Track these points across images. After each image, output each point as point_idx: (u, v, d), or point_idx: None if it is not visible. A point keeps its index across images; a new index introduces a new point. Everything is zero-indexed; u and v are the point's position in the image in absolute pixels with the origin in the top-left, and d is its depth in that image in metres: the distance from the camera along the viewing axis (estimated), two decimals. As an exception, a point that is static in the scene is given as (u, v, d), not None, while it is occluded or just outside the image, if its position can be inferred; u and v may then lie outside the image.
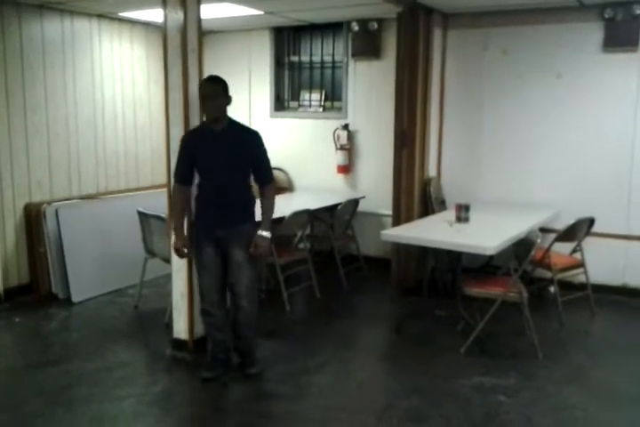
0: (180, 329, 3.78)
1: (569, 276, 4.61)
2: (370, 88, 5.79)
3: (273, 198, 3.45)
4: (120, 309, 4.66)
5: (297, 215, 4.65)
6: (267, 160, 3.43)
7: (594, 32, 4.83)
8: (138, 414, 3.13)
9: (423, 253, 4.99)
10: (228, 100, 3.31)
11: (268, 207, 3.41)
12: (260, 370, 3.54)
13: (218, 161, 3.31)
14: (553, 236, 4.34)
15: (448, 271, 4.82)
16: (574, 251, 4.59)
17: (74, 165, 5.20)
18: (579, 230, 4.37)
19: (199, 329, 3.74)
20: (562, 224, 4.37)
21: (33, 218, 4.79)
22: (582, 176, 5.01)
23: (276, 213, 4.62)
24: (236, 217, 3.38)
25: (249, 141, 3.37)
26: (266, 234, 3.34)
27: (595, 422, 3.08)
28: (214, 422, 3.08)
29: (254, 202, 3.49)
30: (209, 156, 3.33)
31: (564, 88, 5.01)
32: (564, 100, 5.03)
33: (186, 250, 3.39)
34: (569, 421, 3.09)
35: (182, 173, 3.40)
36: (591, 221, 4.39)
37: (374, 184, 5.78)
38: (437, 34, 5.23)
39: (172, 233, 3.44)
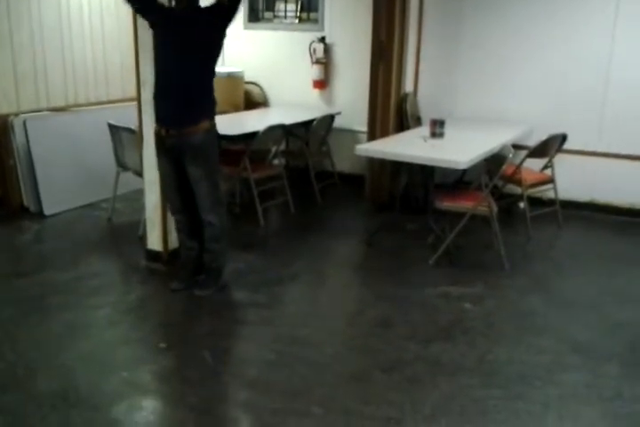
0: (154, 240, 3.81)
1: (538, 192, 4.69)
2: (347, -1, 5.57)
3: None
4: (93, 222, 4.66)
5: (271, 130, 4.59)
6: None
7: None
8: (112, 322, 3.21)
9: (397, 169, 5.01)
10: None
11: None
12: (207, 294, 3.45)
13: (172, 46, 3.13)
14: (525, 152, 4.36)
15: (421, 186, 4.86)
16: (545, 167, 4.64)
17: (41, 76, 4.99)
18: (550, 147, 4.40)
19: (173, 240, 3.77)
20: (535, 141, 4.38)
21: (0, 130, 4.66)
22: (557, 93, 4.98)
23: (250, 128, 4.62)
24: (186, 113, 3.18)
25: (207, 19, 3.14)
26: None
27: (552, 328, 3.23)
28: (188, 329, 3.18)
29: (210, 101, 3.25)
30: (163, 35, 3.15)
31: (543, 2, 4.87)
32: (542, 15, 4.89)
33: None
34: (528, 327, 3.24)
35: None
36: (563, 138, 4.41)
37: (350, 100, 5.69)
38: (419, -61, 4.99)
39: None
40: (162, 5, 3.26)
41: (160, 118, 3.25)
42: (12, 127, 4.63)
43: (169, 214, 3.67)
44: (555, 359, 2.92)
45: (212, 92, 3.25)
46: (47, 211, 4.71)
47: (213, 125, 3.29)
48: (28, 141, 4.66)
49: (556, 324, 3.28)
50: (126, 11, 5.42)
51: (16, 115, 4.70)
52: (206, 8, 3.19)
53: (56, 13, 5.05)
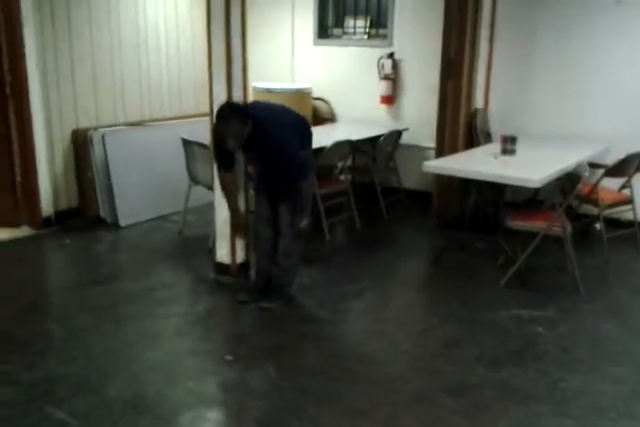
0: (223, 254, 3.87)
1: (616, 212, 4.49)
2: (417, 15, 5.55)
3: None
4: (165, 234, 4.78)
5: (338, 146, 4.61)
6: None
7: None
8: (180, 333, 3.27)
9: (465, 187, 4.92)
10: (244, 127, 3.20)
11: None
12: (273, 307, 3.50)
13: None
14: (602, 171, 4.20)
15: (490, 204, 4.76)
16: (623, 187, 4.45)
17: (118, 92, 5.21)
18: (629, 166, 4.22)
19: (241, 254, 3.83)
20: (612, 159, 4.22)
21: (80, 144, 4.87)
22: (635, 109, 4.79)
23: (317, 143, 4.64)
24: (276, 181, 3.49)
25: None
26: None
27: (631, 356, 3.08)
28: (254, 341, 3.20)
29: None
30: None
31: (624, 15, 4.71)
32: (622, 28, 4.73)
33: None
34: (606, 353, 3.10)
35: (223, 164, 3.49)
36: (644, 157, 4.23)
37: (418, 116, 5.65)
38: (492, -45, 4.94)
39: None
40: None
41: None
42: (92, 141, 4.83)
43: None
44: (633, 390, 2.77)
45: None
46: (122, 222, 4.87)
47: None
48: (105, 155, 4.85)
49: (635, 352, 3.12)
50: (200, 29, 5.64)
51: (95, 129, 4.91)
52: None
53: (134, 32, 5.26)
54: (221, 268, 3.90)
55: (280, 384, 2.78)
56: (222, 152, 3.40)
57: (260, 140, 3.26)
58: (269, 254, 3.58)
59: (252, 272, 3.74)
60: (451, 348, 3.12)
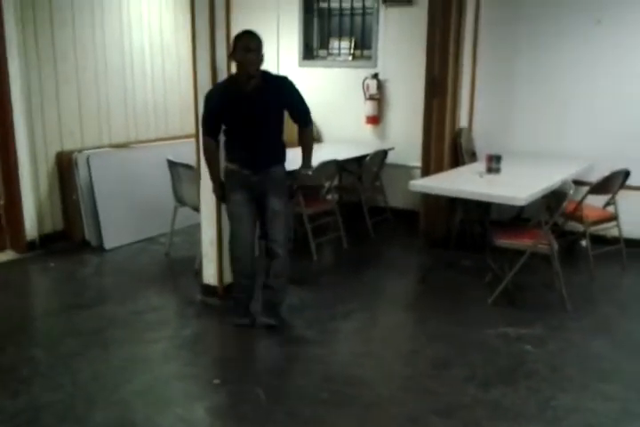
0: (210, 275, 3.85)
1: (601, 229, 4.52)
2: (401, 36, 5.63)
3: (312, 139, 3.53)
4: (151, 256, 4.75)
5: (325, 166, 4.62)
6: (303, 103, 3.44)
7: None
8: (168, 357, 3.23)
9: (451, 205, 4.94)
10: (263, 56, 3.26)
11: (307, 146, 3.47)
12: (273, 322, 3.49)
13: (246, 121, 3.28)
14: (586, 188, 4.25)
15: (477, 223, 4.78)
16: (608, 204, 4.50)
17: (103, 114, 5.21)
18: (613, 183, 4.27)
19: (228, 275, 3.80)
20: (596, 177, 4.27)
21: (65, 166, 4.85)
22: (619, 128, 4.86)
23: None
24: (267, 160, 3.39)
25: (283, 92, 3.35)
26: (308, 172, 3.47)
27: (621, 373, 3.08)
28: (242, 365, 3.16)
29: (284, 147, 3.48)
30: (237, 117, 3.29)
31: (604, 35, 4.81)
32: (602, 48, 4.83)
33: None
34: (595, 372, 3.09)
35: (209, 129, 3.39)
36: (626, 174, 4.28)
37: (403, 135, 5.69)
38: (472, -23, 5.03)
39: (211, 181, 3.47)
40: (227, 97, 3.29)
41: (245, 164, 3.36)
42: (76, 163, 4.81)
43: (224, 249, 3.70)
44: (623, 407, 2.77)
45: (282, 138, 3.49)
46: (107, 245, 4.83)
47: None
48: (90, 177, 4.83)
49: (625, 369, 3.12)
50: (185, 53, 5.69)
51: (80, 151, 4.89)
52: (275, 79, 3.37)
53: (119, 55, 5.28)
54: (208, 289, 3.87)
55: (269, 408, 2.74)
56: (212, 118, 3.33)
57: (275, 103, 3.28)
58: (251, 268, 3.51)
59: (235, 292, 3.65)
60: (440, 368, 3.11)
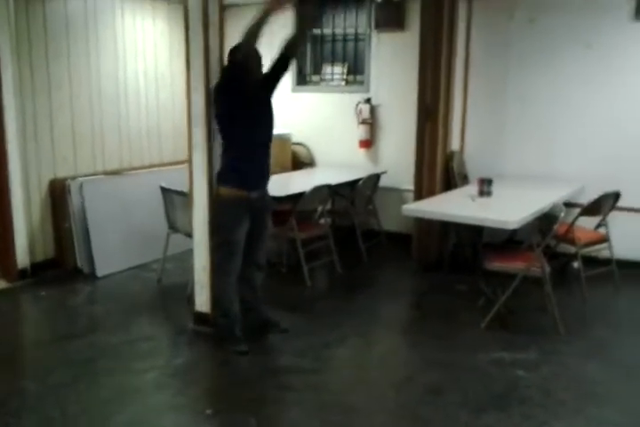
0: (202, 302, 3.82)
1: (593, 251, 4.53)
2: (393, 61, 5.71)
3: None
4: (143, 283, 4.73)
5: (318, 190, 4.64)
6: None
7: (624, 0, 4.66)
8: (159, 387, 3.20)
9: (444, 229, 4.96)
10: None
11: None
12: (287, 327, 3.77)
13: (263, 120, 3.45)
14: (577, 210, 4.27)
15: (469, 246, 4.78)
16: (599, 226, 4.51)
17: (98, 142, 5.23)
18: (604, 205, 4.30)
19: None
20: (587, 199, 4.30)
21: (58, 193, 4.85)
22: (609, 150, 4.91)
23: (297, 188, 4.68)
24: (267, 177, 3.55)
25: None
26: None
27: (615, 397, 3.06)
28: (234, 394, 3.12)
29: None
30: (255, 113, 3.41)
31: (594, 58, 4.88)
32: (592, 72, 4.90)
33: None
34: (589, 395, 3.07)
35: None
36: (617, 196, 4.30)
37: (396, 159, 5.73)
38: (462, 3, 5.11)
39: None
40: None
41: (251, 184, 3.44)
42: (69, 190, 4.81)
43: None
44: (618, 433, 2.75)
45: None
46: (99, 272, 4.81)
47: None
48: (83, 204, 4.83)
49: (619, 393, 3.10)
50: (179, 80, 5.74)
51: (73, 178, 4.90)
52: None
53: (114, 83, 5.33)
54: (200, 317, 3.84)
55: (261, 439, 2.72)
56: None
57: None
58: (237, 293, 3.60)
59: (228, 319, 3.64)
60: (434, 394, 3.08)
